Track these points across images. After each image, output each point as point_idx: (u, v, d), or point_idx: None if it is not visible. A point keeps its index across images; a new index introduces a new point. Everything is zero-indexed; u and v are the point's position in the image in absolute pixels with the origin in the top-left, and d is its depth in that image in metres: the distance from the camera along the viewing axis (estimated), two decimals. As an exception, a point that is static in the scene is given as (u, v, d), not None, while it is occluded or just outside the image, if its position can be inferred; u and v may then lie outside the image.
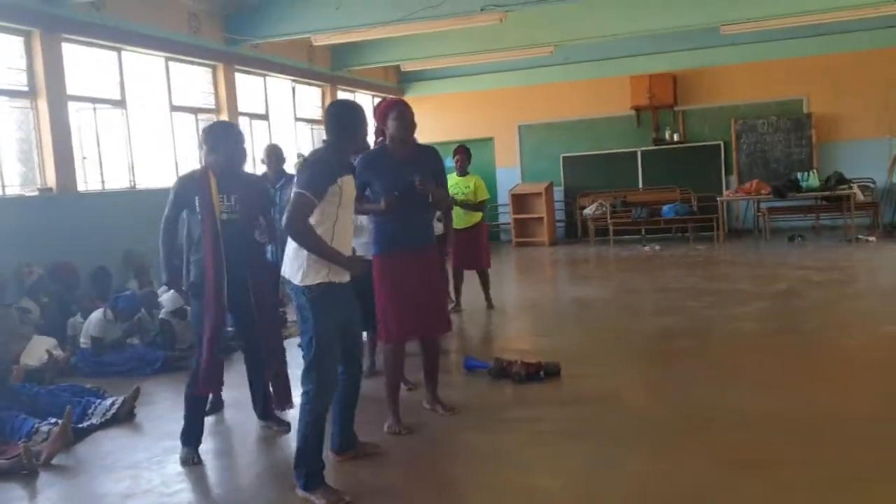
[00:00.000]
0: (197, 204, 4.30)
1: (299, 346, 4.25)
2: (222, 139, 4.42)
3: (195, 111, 10.28)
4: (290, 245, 3.72)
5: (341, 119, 3.83)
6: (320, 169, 3.68)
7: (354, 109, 3.92)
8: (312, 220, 3.62)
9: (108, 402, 5.20)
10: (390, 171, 4.46)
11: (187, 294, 4.58)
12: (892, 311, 7.31)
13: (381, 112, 4.52)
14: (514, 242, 14.63)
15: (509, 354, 5.76)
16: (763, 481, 3.60)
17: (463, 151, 8.10)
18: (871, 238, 11.88)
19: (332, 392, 3.78)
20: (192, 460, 4.27)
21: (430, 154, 4.66)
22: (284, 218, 3.65)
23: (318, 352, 3.63)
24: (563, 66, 14.74)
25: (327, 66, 13.25)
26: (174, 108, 9.90)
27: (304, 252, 3.64)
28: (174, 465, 4.27)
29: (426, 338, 4.76)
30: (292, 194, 3.66)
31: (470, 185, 7.99)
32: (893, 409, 4.51)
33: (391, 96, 4.72)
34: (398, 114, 4.43)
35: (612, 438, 4.32)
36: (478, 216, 8.10)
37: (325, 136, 3.92)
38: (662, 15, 11.63)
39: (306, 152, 9.45)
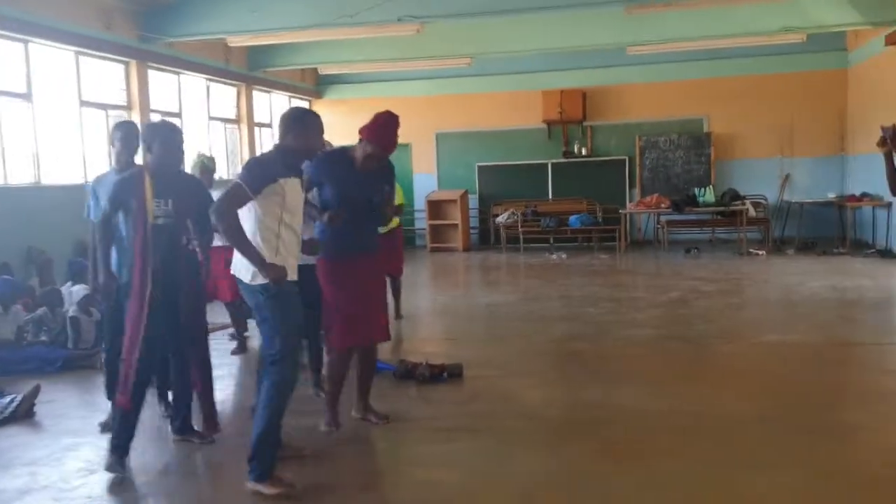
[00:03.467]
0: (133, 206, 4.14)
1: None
2: (160, 139, 4.25)
3: (105, 107, 10.12)
4: None
5: (292, 123, 3.89)
6: (261, 167, 3.81)
7: (308, 115, 4.01)
8: (257, 214, 3.71)
9: (6, 399, 5.16)
10: (350, 180, 4.45)
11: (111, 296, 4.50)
12: (770, 321, 7.91)
13: (387, 131, 4.45)
14: (429, 248, 14.88)
15: (416, 357, 5.98)
16: (635, 472, 3.95)
17: None
18: (760, 252, 12.66)
19: (293, 387, 3.85)
20: (118, 469, 4.05)
21: (389, 168, 4.65)
22: (214, 203, 3.75)
23: (283, 348, 3.72)
24: (479, 77, 15.13)
25: (244, 66, 13.22)
26: (84, 104, 9.73)
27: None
28: (74, 462, 4.30)
29: (366, 346, 4.72)
30: (231, 184, 3.79)
31: None
32: (755, 408, 4.95)
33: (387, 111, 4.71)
34: (392, 131, 4.44)
35: (505, 435, 4.60)
36: (395, 221, 8.03)
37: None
38: (573, 34, 12.17)
39: (207, 151, 9.39)
